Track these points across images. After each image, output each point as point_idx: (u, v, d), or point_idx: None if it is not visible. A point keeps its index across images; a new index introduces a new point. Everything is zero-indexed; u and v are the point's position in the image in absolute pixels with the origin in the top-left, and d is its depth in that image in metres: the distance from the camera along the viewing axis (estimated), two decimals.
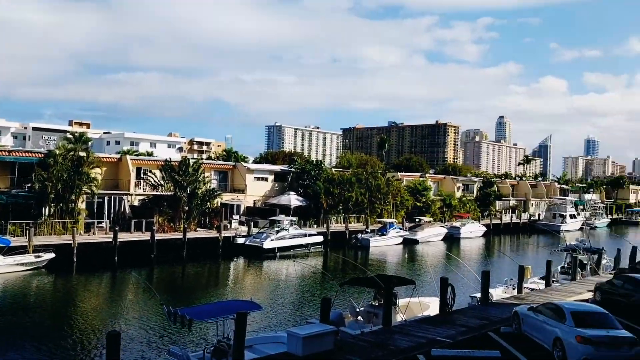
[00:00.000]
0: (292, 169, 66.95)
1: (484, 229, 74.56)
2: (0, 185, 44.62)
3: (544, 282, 29.13)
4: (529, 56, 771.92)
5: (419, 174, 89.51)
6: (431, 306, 22.92)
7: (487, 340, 17.46)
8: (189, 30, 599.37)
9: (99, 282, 37.00)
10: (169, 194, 50.21)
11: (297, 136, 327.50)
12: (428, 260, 50.64)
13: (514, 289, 27.55)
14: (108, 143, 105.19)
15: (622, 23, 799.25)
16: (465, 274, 31.28)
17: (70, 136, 52.65)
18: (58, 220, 42.81)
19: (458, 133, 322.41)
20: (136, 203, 50.82)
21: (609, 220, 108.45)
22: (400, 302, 21.54)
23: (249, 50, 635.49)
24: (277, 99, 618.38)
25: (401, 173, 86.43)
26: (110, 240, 41.09)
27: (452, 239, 66.66)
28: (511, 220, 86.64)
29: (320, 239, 53.24)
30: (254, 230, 50.79)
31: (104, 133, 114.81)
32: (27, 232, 37.88)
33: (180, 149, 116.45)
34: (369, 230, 59.60)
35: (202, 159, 79.74)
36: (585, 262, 33.32)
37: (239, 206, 57.82)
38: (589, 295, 24.34)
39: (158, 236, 43.68)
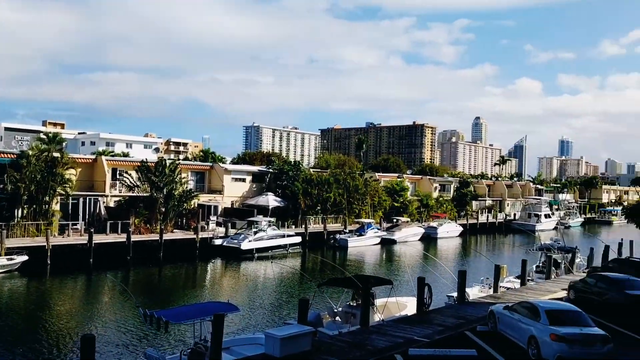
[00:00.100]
0: (270, 170, 66.79)
1: (461, 228, 75.29)
2: None
3: (519, 281, 29.49)
4: (504, 58, 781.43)
5: (396, 175, 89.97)
6: (408, 306, 23.05)
7: (464, 339, 17.61)
8: (167, 29, 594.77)
9: (73, 284, 36.46)
10: (145, 195, 49.69)
11: (275, 137, 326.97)
12: (405, 260, 50.94)
13: (490, 288, 27.86)
14: (83, 144, 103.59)
15: (595, 26, 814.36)
16: (442, 274, 31.55)
17: (44, 136, 51.84)
18: (31, 222, 42.09)
19: (435, 134, 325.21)
20: (112, 204, 50.19)
21: (583, 219, 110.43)
22: (378, 302, 21.64)
23: (226, 50, 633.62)
24: (255, 100, 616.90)
25: (379, 173, 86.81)
26: (86, 242, 40.52)
27: (429, 239, 67.15)
28: (487, 220, 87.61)
29: (298, 239, 53.21)
30: (232, 232, 50.55)
31: (79, 133, 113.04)
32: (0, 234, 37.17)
33: (157, 150, 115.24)
34: (347, 231, 59.75)
35: (179, 159, 79.09)
36: (559, 261, 33.88)
37: (216, 207, 57.46)
38: (563, 293, 24.71)
39: (134, 238, 43.21)
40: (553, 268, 31.86)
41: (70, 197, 46.21)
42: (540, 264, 34.48)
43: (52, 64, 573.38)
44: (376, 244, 59.57)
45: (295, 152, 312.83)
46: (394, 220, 68.94)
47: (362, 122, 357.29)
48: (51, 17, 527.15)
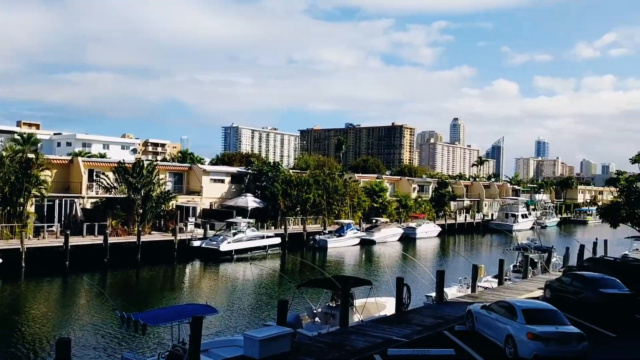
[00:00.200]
0: (250, 171, 66.55)
1: (439, 229, 75.85)
2: None
3: (497, 280, 29.79)
4: (482, 60, 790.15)
5: (375, 175, 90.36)
6: (387, 306, 23.12)
7: (442, 338, 17.74)
8: (145, 29, 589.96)
9: (49, 287, 35.90)
10: (122, 196, 49.17)
11: (255, 137, 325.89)
12: (385, 260, 51.15)
13: (468, 288, 28.09)
14: (59, 144, 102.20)
15: (570, 28, 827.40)
16: (420, 274, 31.77)
17: (18, 137, 51.09)
18: (5, 225, 41.29)
19: (414, 135, 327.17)
20: (88, 206, 49.56)
21: (559, 219, 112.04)
22: (357, 302, 21.66)
23: (205, 51, 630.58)
24: (234, 100, 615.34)
25: (358, 174, 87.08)
26: (61, 244, 39.93)
27: (408, 239, 67.52)
28: (465, 220, 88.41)
29: (277, 240, 53.10)
30: (211, 233, 50.23)
31: (55, 134, 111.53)
32: None
33: (135, 151, 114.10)
34: (326, 232, 59.78)
35: (156, 160, 78.34)
36: (536, 260, 34.32)
37: (194, 208, 57.06)
38: (540, 292, 25.03)
39: (111, 240, 42.70)
40: (530, 267, 32.24)
41: (46, 199, 45.51)
42: (518, 264, 34.88)
43: (26, 64, 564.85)
44: (355, 245, 59.72)
45: (274, 153, 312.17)
46: (373, 220, 69.20)
47: (341, 123, 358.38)
48: (26, 16, 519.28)
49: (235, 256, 47.61)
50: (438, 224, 77.61)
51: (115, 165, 50.97)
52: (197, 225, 52.90)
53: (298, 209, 63.06)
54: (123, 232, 46.29)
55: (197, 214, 56.66)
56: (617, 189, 40.52)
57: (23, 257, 37.46)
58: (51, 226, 44.86)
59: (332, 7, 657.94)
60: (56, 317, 27.80)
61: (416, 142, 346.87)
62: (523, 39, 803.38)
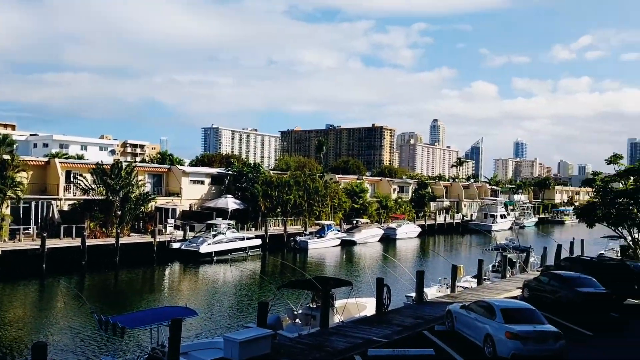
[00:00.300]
0: (230, 172, 66.24)
1: (419, 229, 76.26)
2: None
3: (476, 280, 30.04)
4: (461, 61, 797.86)
5: (356, 176, 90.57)
6: (368, 306, 23.19)
7: (422, 338, 17.83)
8: (123, 29, 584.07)
9: (24, 291, 35.30)
10: (100, 198, 48.62)
11: (235, 138, 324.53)
12: (365, 261, 51.27)
13: (447, 288, 28.26)
14: (35, 145, 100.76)
15: (547, 31, 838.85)
16: (401, 274, 31.85)
17: None
18: None
19: (394, 136, 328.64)
20: (66, 208, 48.89)
21: (537, 219, 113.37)
22: (338, 303, 21.70)
23: (184, 51, 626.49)
24: (214, 101, 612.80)
25: (339, 175, 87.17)
26: (38, 247, 39.35)
27: (388, 240, 67.79)
28: (445, 220, 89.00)
29: (258, 242, 52.94)
30: (190, 235, 49.91)
31: (31, 135, 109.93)
32: None
33: (113, 152, 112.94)
34: (307, 233, 59.75)
35: (135, 161, 77.60)
36: (514, 260, 34.69)
37: (174, 210, 56.62)
38: (518, 292, 25.29)
39: (89, 242, 42.21)
40: (508, 267, 32.57)
41: (22, 201, 44.74)
42: (496, 264, 35.20)
43: (2, 64, 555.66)
44: (336, 246, 59.79)
45: (255, 154, 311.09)
46: (354, 221, 69.38)
47: (322, 124, 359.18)
48: (2, 16, 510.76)
49: (215, 258, 47.34)
50: (418, 225, 78.03)
51: (93, 166, 50.39)
52: (176, 227, 52.49)
53: (279, 210, 62.94)
54: (101, 234, 45.79)
55: (177, 216, 56.25)
56: (593, 190, 41.17)
57: None
58: (27, 228, 44.17)
59: (313, 9, 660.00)
60: (32, 321, 27.37)
61: (396, 143, 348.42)
62: (501, 41, 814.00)
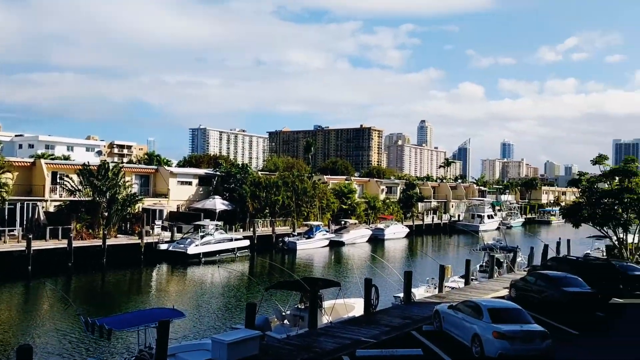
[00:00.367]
0: (218, 173, 66.03)
1: (407, 230, 76.52)
2: None
3: (463, 280, 30.17)
4: (449, 62, 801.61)
5: (344, 177, 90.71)
6: (356, 307, 23.21)
7: (410, 339, 17.87)
8: (110, 29, 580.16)
9: (10, 293, 34.95)
10: (87, 199, 48.27)
11: (223, 139, 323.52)
12: (354, 261, 51.32)
13: (435, 288, 28.37)
14: (20, 146, 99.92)
15: (533, 33, 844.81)
16: (388, 275, 31.98)
17: None
18: None
19: (382, 137, 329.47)
20: (52, 209, 48.46)
21: (524, 219, 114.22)
22: (326, 304, 21.70)
23: (172, 52, 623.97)
24: (202, 102, 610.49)
25: (327, 176, 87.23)
26: (23, 248, 38.97)
27: (376, 240, 67.93)
28: (432, 221, 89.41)
29: (246, 243, 52.81)
30: (178, 236, 49.67)
31: (16, 136, 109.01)
32: None
33: (100, 153, 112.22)
34: (295, 234, 59.70)
35: (122, 162, 77.11)
36: (501, 260, 34.88)
37: (161, 211, 56.32)
38: (505, 292, 25.44)
39: (76, 243, 41.86)
40: (496, 267, 32.76)
41: (7, 202, 44.27)
42: (484, 264, 35.39)
43: None
44: (325, 246, 59.80)
45: (243, 154, 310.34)
46: (342, 222, 69.44)
47: (310, 125, 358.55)
48: None
49: (203, 259, 47.16)
50: (406, 225, 78.30)
51: (80, 167, 50.05)
52: (164, 228, 52.23)
53: (267, 211, 62.85)
54: (88, 235, 45.45)
55: (164, 217, 55.96)
56: (579, 190, 41.45)
57: None
58: (12, 230, 43.72)
59: (301, 9, 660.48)
60: (18, 324, 27.10)
61: (384, 144, 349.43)
62: (488, 42, 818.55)
